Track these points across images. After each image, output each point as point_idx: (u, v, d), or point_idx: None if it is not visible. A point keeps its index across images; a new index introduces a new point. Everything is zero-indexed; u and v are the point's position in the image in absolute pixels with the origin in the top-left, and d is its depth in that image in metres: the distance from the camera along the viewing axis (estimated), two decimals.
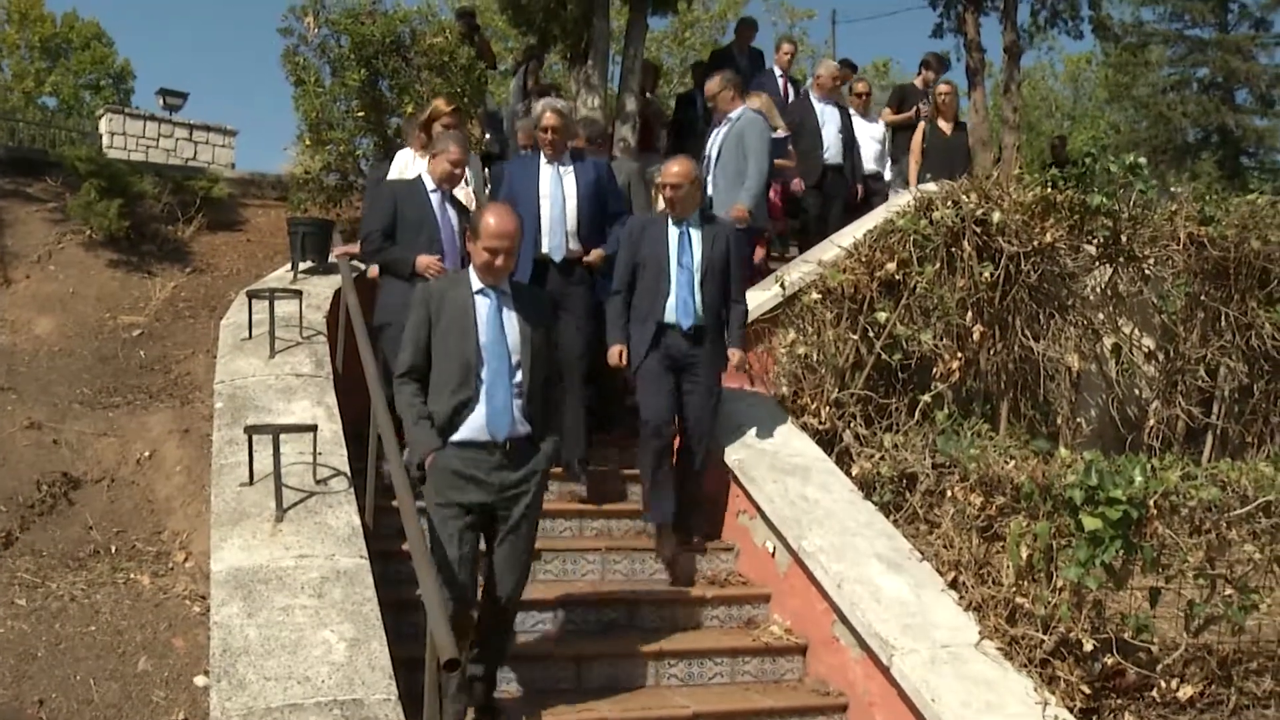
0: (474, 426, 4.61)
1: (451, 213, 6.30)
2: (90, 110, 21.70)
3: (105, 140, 15.10)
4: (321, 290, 7.44)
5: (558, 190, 6.54)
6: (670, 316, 6.06)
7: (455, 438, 4.60)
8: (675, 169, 6.12)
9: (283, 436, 5.27)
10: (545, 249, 6.47)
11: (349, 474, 5.55)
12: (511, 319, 4.77)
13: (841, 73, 10.37)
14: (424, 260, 6.03)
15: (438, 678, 4.15)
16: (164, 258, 8.62)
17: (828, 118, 9.57)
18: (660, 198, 6.28)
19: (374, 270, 6.44)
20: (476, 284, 4.78)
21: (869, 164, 10.06)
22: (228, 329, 7.08)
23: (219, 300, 7.94)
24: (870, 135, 10.16)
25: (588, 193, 6.59)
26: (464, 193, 6.86)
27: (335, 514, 5.25)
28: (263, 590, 4.77)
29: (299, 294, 6.93)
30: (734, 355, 6.17)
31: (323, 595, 4.74)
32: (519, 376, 4.68)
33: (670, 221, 6.18)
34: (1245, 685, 5.26)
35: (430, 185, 6.26)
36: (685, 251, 6.10)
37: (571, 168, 6.63)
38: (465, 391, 4.60)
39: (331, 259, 7.71)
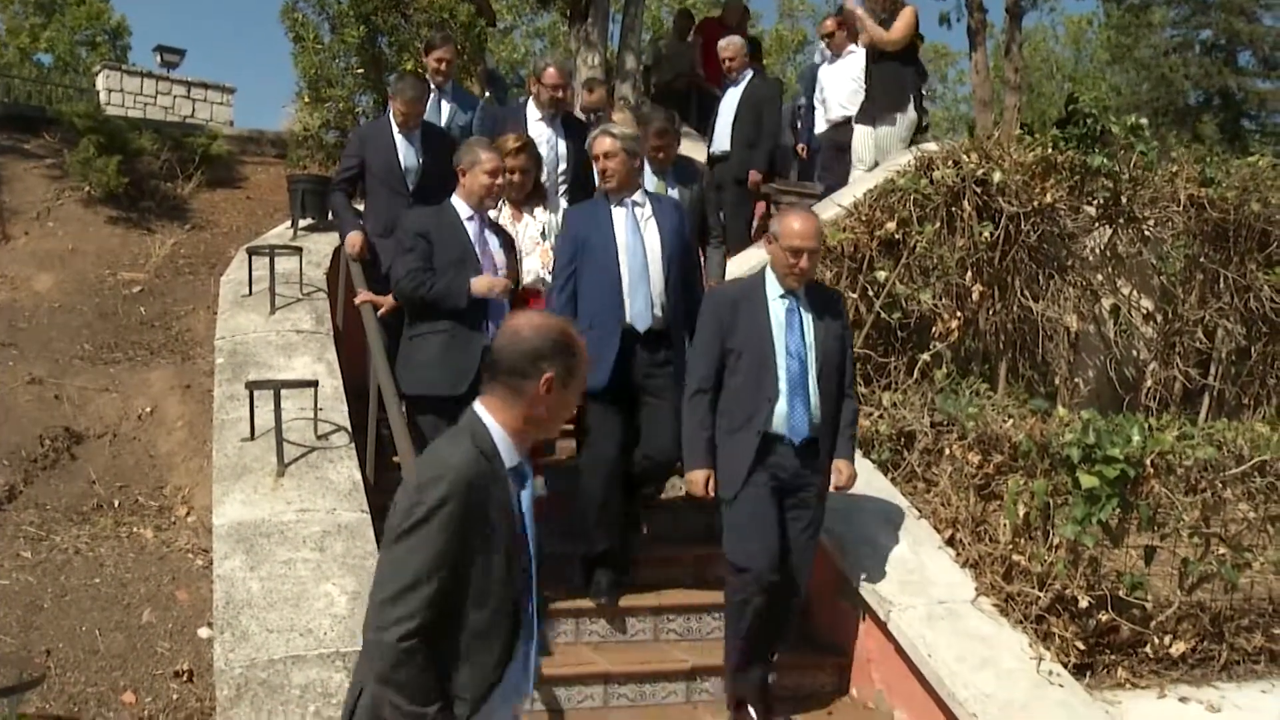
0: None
1: (493, 242, 5.31)
2: (86, 67, 21.51)
3: (102, 97, 15.02)
4: (321, 247, 7.44)
5: (636, 239, 5.28)
6: (779, 425, 4.73)
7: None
8: (802, 227, 4.68)
9: (283, 392, 5.30)
10: (627, 318, 5.24)
11: (349, 429, 5.59)
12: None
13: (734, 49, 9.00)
14: (484, 281, 5.07)
15: None
16: (163, 214, 8.62)
17: (725, 102, 8.80)
18: (787, 264, 4.72)
19: (386, 302, 5.71)
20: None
21: (840, 108, 8.82)
22: (228, 285, 7.09)
23: (219, 257, 7.94)
24: (847, 75, 8.81)
25: (674, 242, 5.37)
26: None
27: (336, 469, 5.29)
28: (265, 544, 4.81)
29: (299, 251, 6.93)
30: (844, 472, 4.87)
31: (324, 549, 4.78)
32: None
33: (776, 295, 4.79)
34: (1236, 641, 5.31)
35: (465, 212, 5.23)
36: (795, 335, 4.75)
37: (649, 210, 5.37)
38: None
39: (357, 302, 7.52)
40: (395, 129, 6.40)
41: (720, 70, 9.19)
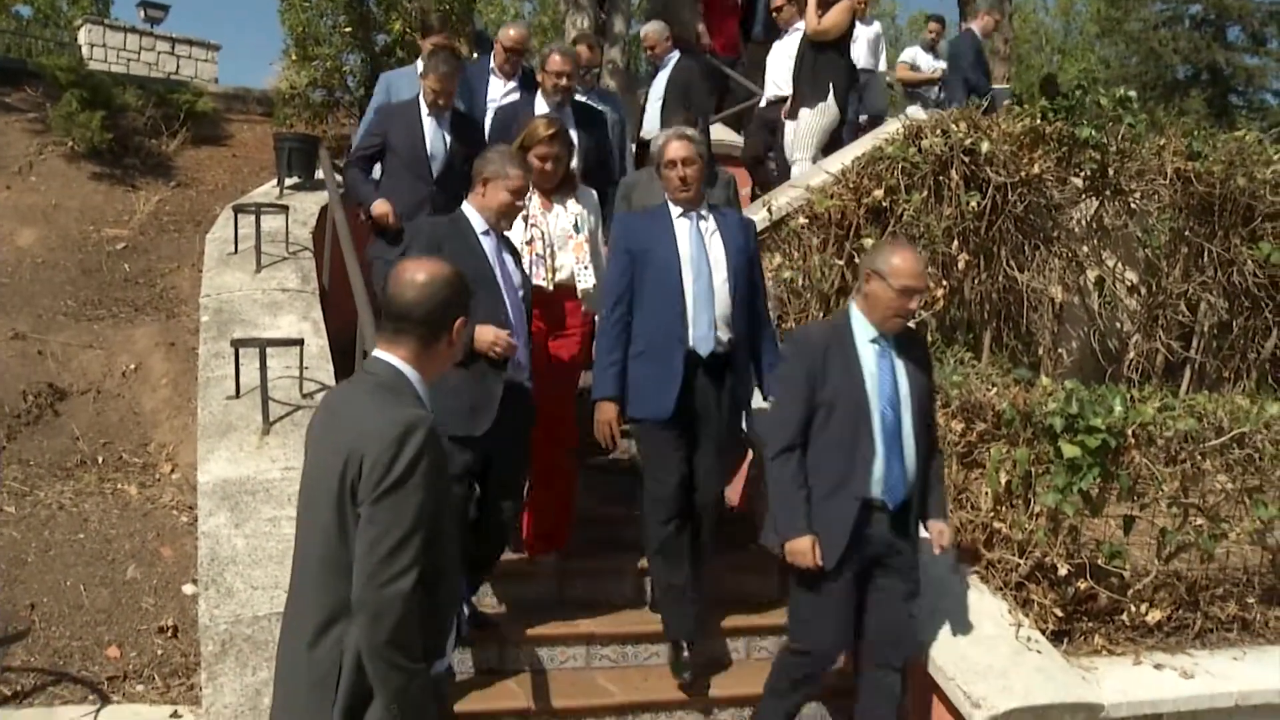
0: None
1: (509, 262, 4.75)
2: (68, 21, 21.28)
3: (84, 52, 14.85)
4: (308, 206, 7.41)
5: (701, 256, 4.84)
6: (877, 489, 4.29)
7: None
8: (914, 265, 4.27)
9: (269, 350, 5.29)
10: (690, 341, 4.81)
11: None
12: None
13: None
14: (487, 336, 4.48)
15: None
16: (148, 171, 8.54)
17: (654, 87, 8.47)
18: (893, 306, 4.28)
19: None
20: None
21: (774, 86, 8.59)
22: (213, 243, 7.06)
23: (204, 215, 7.89)
24: (784, 53, 8.48)
25: (740, 260, 4.92)
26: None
27: None
28: (249, 501, 4.82)
29: (285, 209, 6.90)
30: (942, 536, 4.49)
31: None
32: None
33: (867, 339, 4.37)
34: (1211, 610, 5.38)
35: (480, 226, 4.67)
36: (889, 384, 4.32)
37: (714, 224, 4.93)
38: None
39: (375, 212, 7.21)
40: (424, 109, 6.06)
41: (729, 39, 9.11)
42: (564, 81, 6.21)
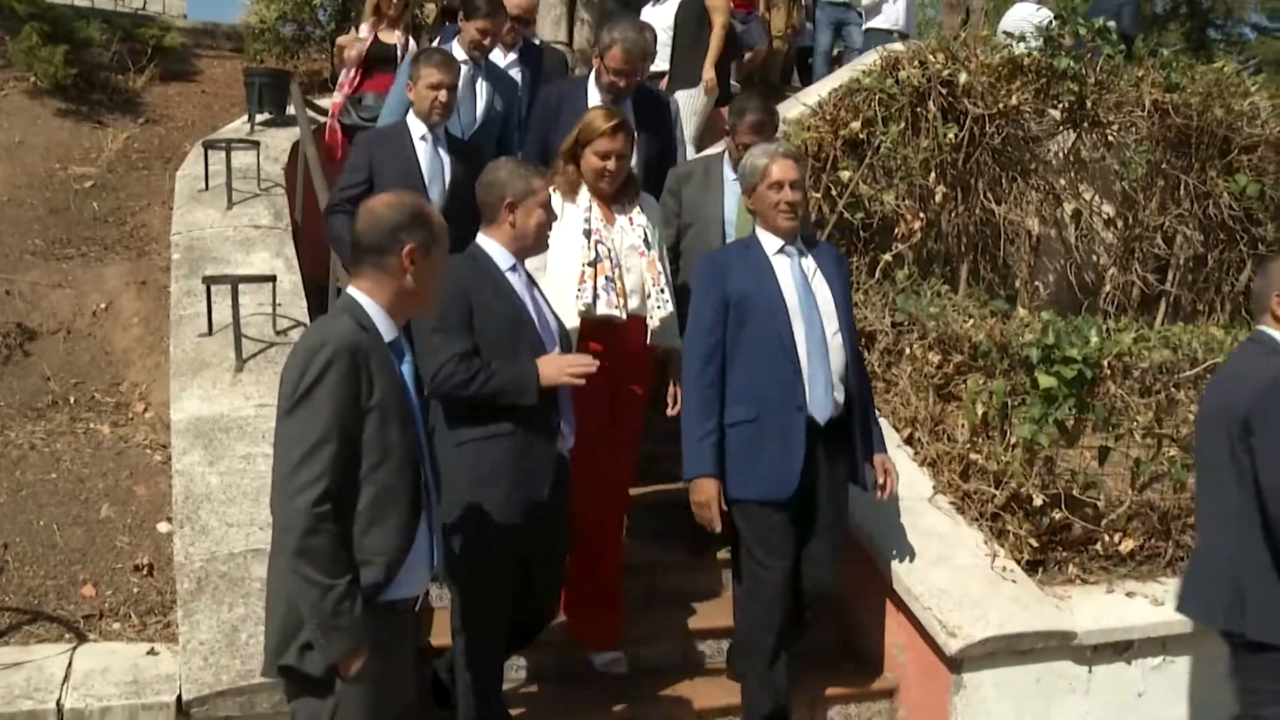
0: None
1: (543, 302, 4.08)
2: None
3: None
4: (279, 142, 7.32)
5: (809, 302, 4.18)
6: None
7: None
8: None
9: (241, 287, 5.25)
10: (808, 407, 4.14)
11: (309, 325, 5.53)
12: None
13: None
14: (555, 364, 3.79)
15: None
16: (115, 108, 8.39)
17: None
18: None
19: None
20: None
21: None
22: (183, 180, 6.97)
23: (174, 152, 7.77)
24: (661, 23, 7.72)
25: (846, 304, 4.33)
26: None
27: None
28: (223, 439, 4.80)
29: (256, 145, 6.82)
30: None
31: None
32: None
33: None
34: (1182, 539, 5.44)
35: (505, 261, 3.94)
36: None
37: (812, 259, 4.31)
38: None
39: None
40: (414, 132, 5.05)
41: None
42: (623, 83, 5.18)
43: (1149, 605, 5.00)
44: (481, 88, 5.78)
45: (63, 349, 5.96)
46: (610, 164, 4.35)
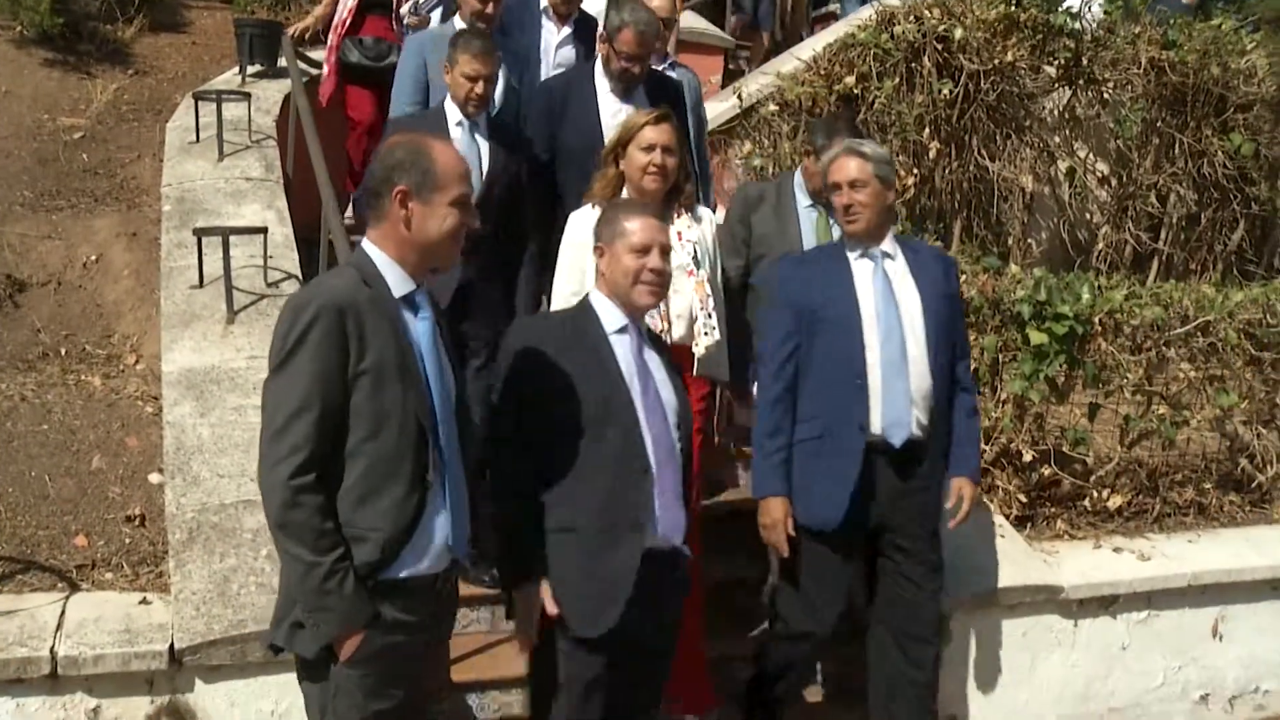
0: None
1: (655, 367, 3.32)
2: None
3: None
4: (270, 94, 7.26)
5: (890, 310, 3.79)
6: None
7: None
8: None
9: (233, 239, 5.22)
10: (876, 427, 3.77)
11: (300, 278, 5.52)
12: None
13: None
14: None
15: None
16: (103, 59, 8.30)
17: None
18: None
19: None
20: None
21: None
22: (174, 132, 6.91)
23: (164, 103, 7.70)
24: None
25: (942, 313, 3.88)
26: None
27: None
28: (215, 390, 4.79)
29: (247, 97, 6.76)
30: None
31: None
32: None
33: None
34: (1169, 495, 5.47)
35: (614, 321, 3.26)
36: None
37: (903, 263, 3.88)
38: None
39: None
40: (451, 118, 4.56)
41: None
42: (636, 69, 4.63)
43: (1135, 560, 5.04)
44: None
45: (53, 301, 5.94)
46: (657, 156, 3.93)
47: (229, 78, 7.66)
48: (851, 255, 3.87)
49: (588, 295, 3.31)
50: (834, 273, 3.84)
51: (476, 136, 4.54)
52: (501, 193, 4.31)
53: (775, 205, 4.60)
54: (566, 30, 5.47)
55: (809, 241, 4.46)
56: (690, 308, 4.03)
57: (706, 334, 4.04)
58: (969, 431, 4.01)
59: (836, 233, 4.23)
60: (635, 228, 3.21)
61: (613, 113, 4.62)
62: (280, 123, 6.95)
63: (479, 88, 4.44)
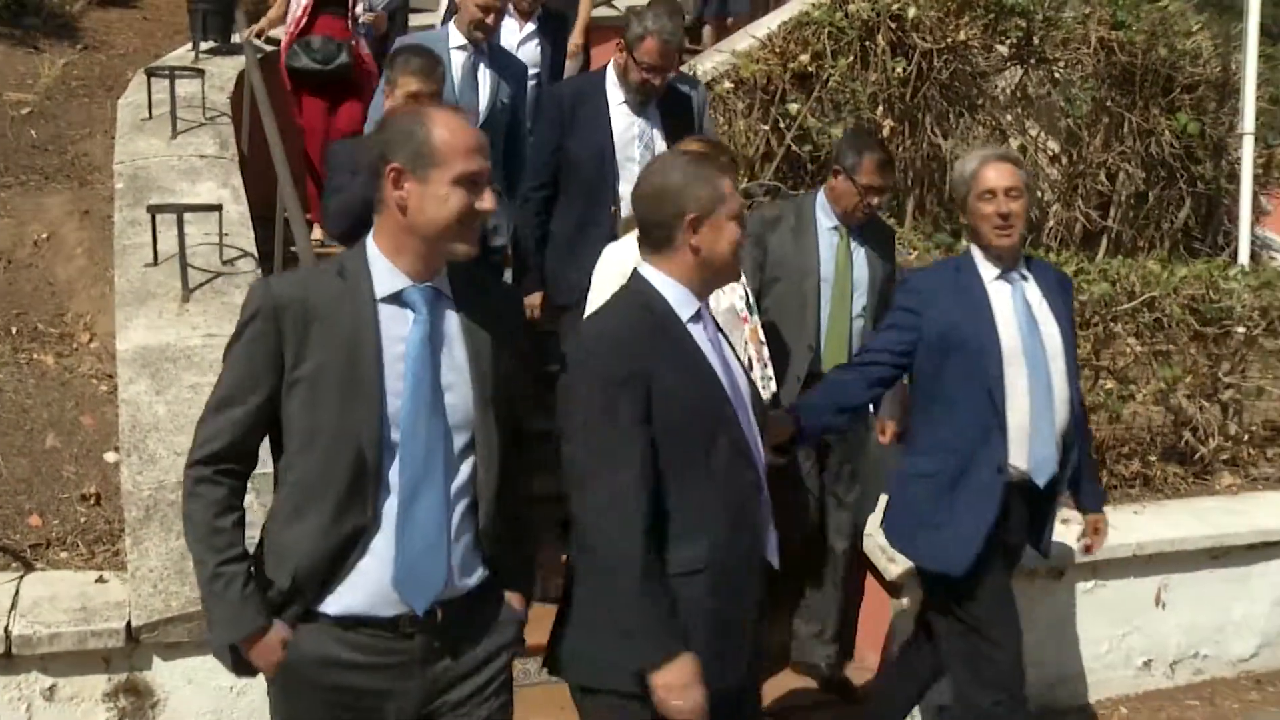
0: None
1: (730, 357, 2.81)
2: None
3: None
4: (225, 71, 7.21)
5: (1035, 340, 3.45)
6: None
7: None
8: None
9: (187, 217, 5.19)
10: (1022, 466, 3.45)
11: (256, 255, 5.50)
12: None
13: None
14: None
15: None
16: (51, 34, 8.20)
17: None
18: None
19: None
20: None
21: None
22: (126, 109, 6.85)
23: (115, 79, 7.62)
24: None
25: (1073, 340, 3.62)
26: None
27: (243, 294, 5.18)
28: (170, 368, 4.78)
29: (201, 73, 6.70)
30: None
31: None
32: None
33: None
34: (1116, 468, 5.58)
35: (689, 307, 2.69)
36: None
37: (1035, 284, 3.56)
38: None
39: None
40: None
41: None
42: (656, 80, 4.38)
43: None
44: (485, 76, 4.96)
45: (3, 279, 5.87)
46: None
47: (182, 54, 7.59)
48: (987, 275, 3.50)
49: (643, 277, 2.68)
50: (970, 294, 3.47)
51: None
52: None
53: (795, 227, 4.34)
54: (530, 27, 5.42)
55: (828, 267, 4.27)
56: (746, 358, 3.68)
57: (764, 386, 3.75)
58: (1092, 460, 3.87)
59: (858, 258, 4.25)
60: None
61: (625, 126, 4.42)
62: (235, 100, 6.91)
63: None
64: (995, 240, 3.44)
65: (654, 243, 2.65)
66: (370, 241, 2.41)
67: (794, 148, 6.32)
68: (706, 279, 2.67)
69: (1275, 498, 5.69)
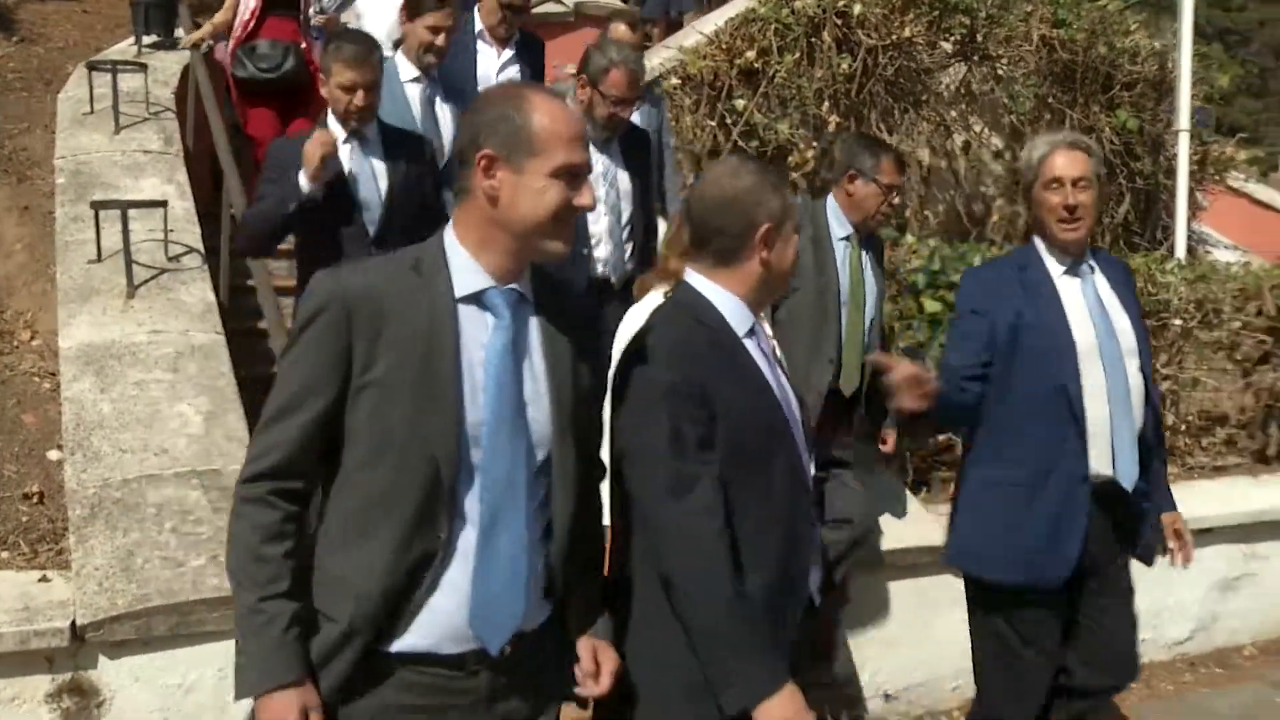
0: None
1: (780, 375, 2.60)
2: None
3: None
4: (169, 65, 7.13)
5: (1109, 337, 3.28)
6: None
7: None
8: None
9: (132, 213, 5.15)
10: (1107, 469, 3.28)
11: (202, 251, 5.46)
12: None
13: None
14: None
15: None
16: None
17: None
18: None
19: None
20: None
21: None
22: (66, 103, 6.76)
23: (54, 73, 7.51)
24: None
25: (1143, 332, 3.46)
26: None
27: (189, 290, 5.18)
28: (115, 366, 4.73)
29: (144, 68, 6.62)
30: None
31: (178, 370, 4.72)
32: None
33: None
34: None
35: (744, 322, 2.50)
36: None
37: (1103, 278, 3.39)
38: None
39: None
40: (338, 132, 4.15)
41: None
42: (625, 112, 4.26)
43: None
44: (444, 111, 4.78)
45: None
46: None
47: (124, 48, 7.50)
48: (1054, 269, 3.30)
49: (694, 289, 2.47)
50: (1038, 289, 3.26)
51: (367, 154, 4.16)
52: (404, 219, 3.95)
53: (813, 236, 4.15)
54: (508, 53, 5.19)
55: (844, 277, 4.12)
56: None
57: None
58: (1164, 461, 3.65)
59: (868, 269, 4.16)
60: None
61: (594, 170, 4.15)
62: (179, 95, 6.83)
63: (358, 98, 4.03)
64: (1060, 234, 3.24)
65: (717, 253, 2.43)
66: (449, 233, 2.16)
67: (740, 143, 6.37)
68: (767, 293, 2.53)
69: (1211, 487, 5.81)
